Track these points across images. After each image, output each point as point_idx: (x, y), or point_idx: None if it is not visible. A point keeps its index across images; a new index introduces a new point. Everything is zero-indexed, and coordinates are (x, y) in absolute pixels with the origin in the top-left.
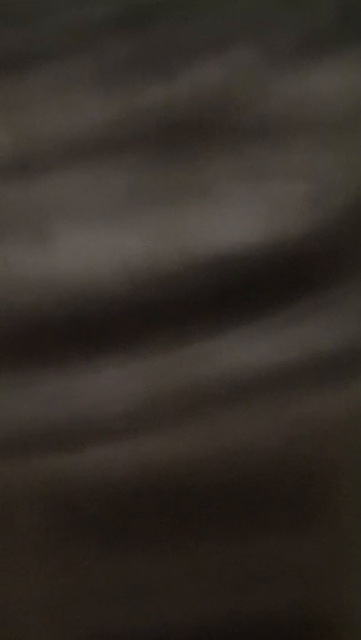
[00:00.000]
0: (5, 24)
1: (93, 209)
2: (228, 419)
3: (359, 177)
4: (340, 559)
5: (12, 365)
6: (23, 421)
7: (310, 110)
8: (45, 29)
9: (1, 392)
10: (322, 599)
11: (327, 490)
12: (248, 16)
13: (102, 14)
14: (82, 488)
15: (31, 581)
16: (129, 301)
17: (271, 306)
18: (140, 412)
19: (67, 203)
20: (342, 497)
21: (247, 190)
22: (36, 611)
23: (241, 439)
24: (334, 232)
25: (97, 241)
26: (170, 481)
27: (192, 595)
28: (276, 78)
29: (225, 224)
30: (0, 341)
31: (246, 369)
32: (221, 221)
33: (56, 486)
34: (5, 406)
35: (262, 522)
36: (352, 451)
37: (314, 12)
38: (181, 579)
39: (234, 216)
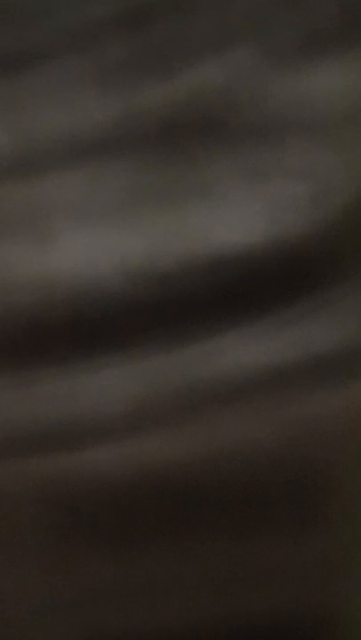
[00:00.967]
0: (5, 24)
1: (93, 209)
2: (227, 419)
3: (359, 177)
4: (339, 559)
5: (12, 365)
6: (23, 421)
7: (310, 110)
8: (45, 29)
9: (1, 392)
10: (322, 599)
11: (327, 490)
12: (248, 16)
13: (102, 14)
14: (82, 488)
15: (31, 581)
16: (129, 301)
17: (271, 306)
18: (139, 411)
19: (67, 202)
20: (342, 497)
21: (247, 190)
22: (36, 611)
23: (240, 439)
24: (334, 232)
25: (97, 241)
26: (169, 481)
27: (192, 595)
28: (276, 78)
29: (225, 224)
30: (0, 341)
31: (246, 369)
32: (221, 221)
33: (56, 486)
34: (5, 406)
35: (262, 522)
36: (351, 451)
37: (314, 11)
38: (181, 579)
39: (234, 216)
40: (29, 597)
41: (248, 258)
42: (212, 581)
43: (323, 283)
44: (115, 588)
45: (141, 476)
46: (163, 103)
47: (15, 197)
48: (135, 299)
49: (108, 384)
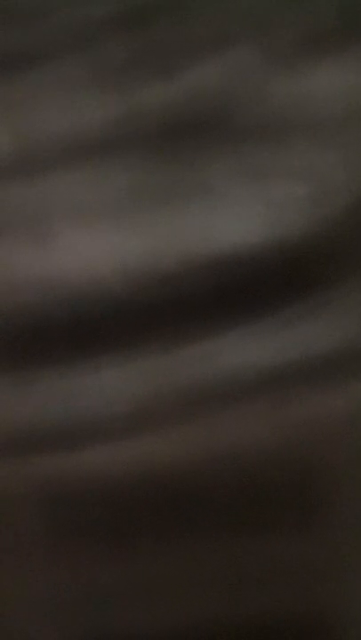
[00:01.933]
0: (5, 24)
1: (93, 209)
2: (227, 419)
3: (359, 177)
4: (339, 559)
5: (12, 365)
6: (23, 421)
7: (310, 110)
8: (45, 29)
9: (1, 392)
10: (322, 599)
11: (327, 490)
12: (248, 16)
13: (102, 14)
14: (82, 488)
15: (31, 581)
16: (129, 301)
17: (271, 306)
18: (139, 411)
19: (67, 202)
20: (342, 497)
21: (247, 190)
22: (37, 611)
23: (241, 439)
24: (335, 232)
25: (97, 241)
26: (170, 481)
27: (192, 595)
28: (276, 78)
29: (225, 224)
30: (0, 341)
31: (246, 369)
32: (221, 221)
33: (56, 486)
34: (5, 406)
35: (263, 522)
36: (352, 451)
37: (314, 12)
38: (181, 579)
39: (234, 216)
40: (29, 597)
41: (248, 258)
42: (212, 581)
43: (323, 283)
44: (115, 588)
45: (141, 476)
46: (163, 103)
47: (15, 197)
48: (135, 299)
49: (108, 384)
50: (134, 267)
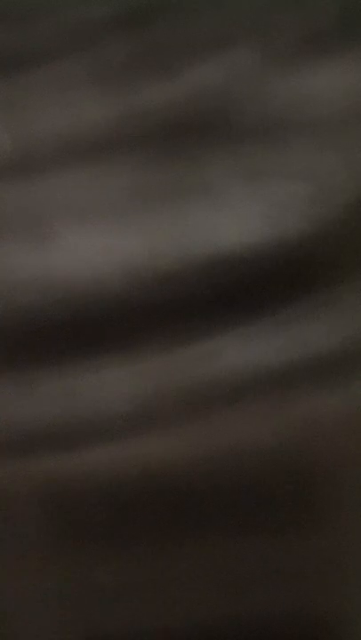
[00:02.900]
0: (5, 24)
1: (93, 209)
2: (227, 419)
3: (359, 177)
4: (339, 559)
5: (13, 365)
6: (23, 421)
7: (310, 110)
8: (45, 29)
9: (1, 392)
10: (321, 599)
11: (327, 490)
12: (248, 16)
13: (102, 14)
14: (82, 488)
15: (31, 581)
16: (129, 301)
17: (271, 306)
18: (140, 411)
19: (67, 202)
20: (342, 497)
21: (247, 190)
22: (37, 610)
23: (241, 439)
24: (335, 232)
25: (97, 241)
26: (170, 481)
27: (192, 594)
28: (276, 78)
29: (225, 224)
30: (0, 341)
31: (246, 369)
32: (221, 221)
33: (57, 486)
34: (5, 406)
35: (262, 522)
36: (352, 451)
37: (314, 12)
38: (181, 579)
39: (234, 216)
40: (29, 597)
41: (248, 258)
42: (212, 581)
43: (323, 283)
44: (115, 588)
45: (142, 476)
46: (163, 103)
47: (15, 197)
48: (135, 299)
49: (108, 384)
50: (135, 266)
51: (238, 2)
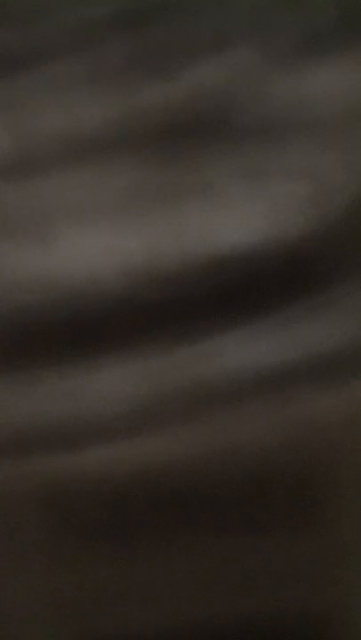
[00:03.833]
0: (5, 24)
1: (93, 209)
2: (228, 418)
3: (359, 177)
4: (339, 559)
5: (13, 365)
6: (23, 421)
7: (310, 110)
8: (45, 29)
9: (1, 392)
10: (322, 599)
11: (327, 489)
12: (248, 16)
13: (102, 14)
14: (82, 488)
15: (31, 581)
16: (129, 301)
17: (271, 306)
18: (139, 411)
19: (67, 202)
20: (342, 497)
21: (247, 190)
22: (37, 611)
23: (241, 439)
24: (334, 232)
25: (97, 241)
26: (170, 481)
27: (192, 595)
28: (276, 78)
29: (225, 224)
30: (0, 341)
31: (246, 369)
32: (221, 221)
33: (56, 486)
34: (5, 406)
35: (262, 522)
36: (352, 451)
37: (314, 12)
38: (181, 579)
39: (234, 216)
40: (29, 597)
41: (248, 258)
42: (212, 581)
43: (323, 283)
44: (115, 588)
45: (141, 476)
46: (163, 103)
47: (15, 197)
48: (135, 299)
49: (108, 384)
50: (134, 266)
51: (238, 2)
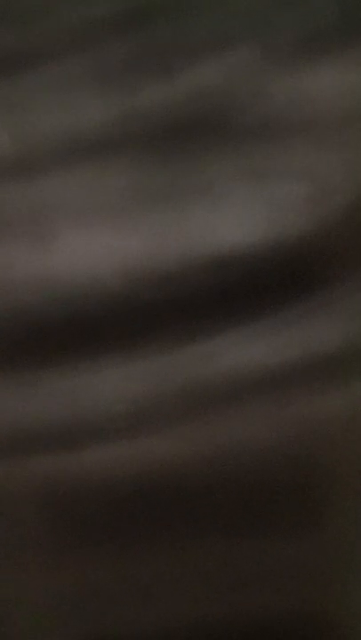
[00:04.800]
0: (5, 24)
1: (93, 209)
2: (228, 419)
3: (359, 177)
4: (339, 559)
5: (13, 365)
6: (23, 421)
7: (311, 110)
8: (45, 29)
9: (1, 392)
10: (322, 599)
11: (327, 490)
12: (248, 16)
13: (102, 14)
14: (82, 488)
15: (31, 581)
16: (129, 301)
17: (271, 306)
18: (140, 411)
19: (67, 202)
20: (342, 497)
21: (247, 190)
22: (37, 610)
23: (241, 439)
24: (334, 232)
25: (97, 241)
26: (170, 481)
27: (192, 595)
28: (276, 78)
29: (225, 224)
30: (0, 341)
31: (246, 369)
32: (221, 221)
33: (56, 486)
34: (6, 406)
35: (262, 522)
36: (352, 450)
37: (314, 11)
38: (181, 579)
39: (234, 216)
40: (29, 597)
41: (248, 258)
42: (212, 581)
43: (323, 283)
44: (115, 588)
45: (141, 476)
46: (163, 103)
47: (15, 197)
48: (135, 299)
49: (109, 384)
50: (134, 266)
51: (238, 2)
